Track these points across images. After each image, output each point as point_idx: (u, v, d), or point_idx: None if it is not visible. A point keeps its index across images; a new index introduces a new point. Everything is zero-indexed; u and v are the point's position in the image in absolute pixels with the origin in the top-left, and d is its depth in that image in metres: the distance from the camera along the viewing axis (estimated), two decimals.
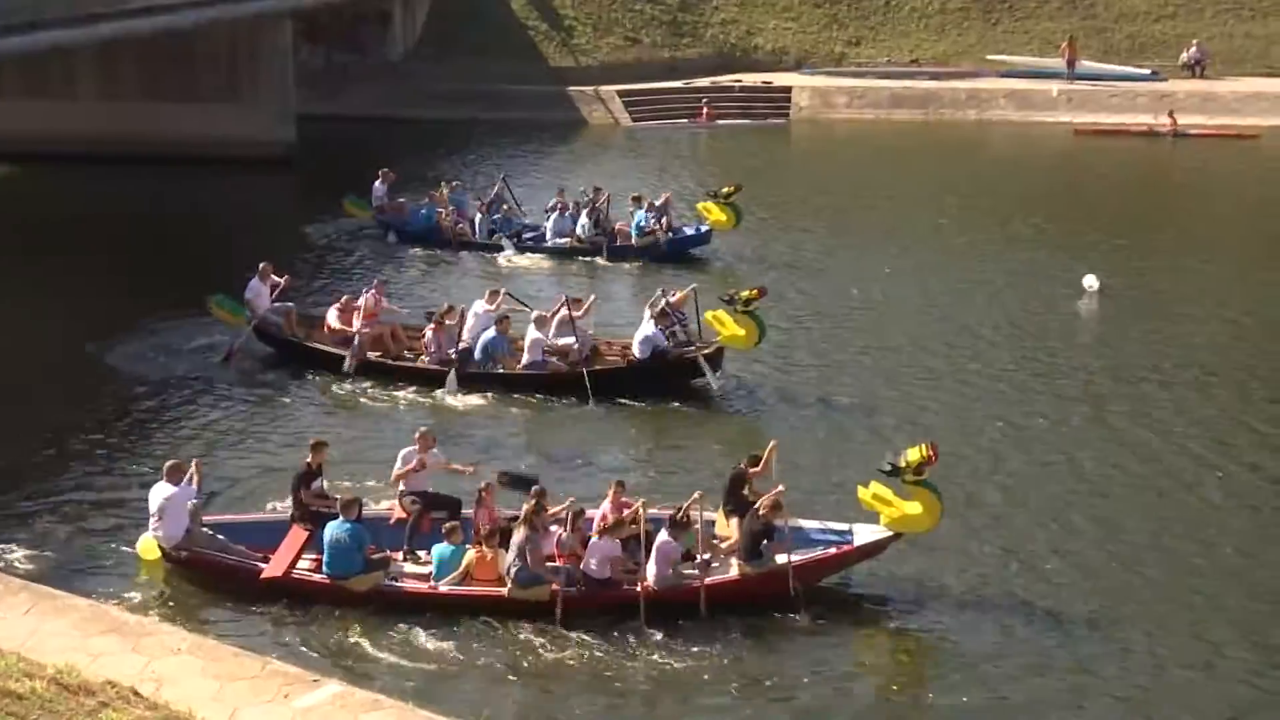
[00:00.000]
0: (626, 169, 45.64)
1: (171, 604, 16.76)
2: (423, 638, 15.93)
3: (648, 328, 23.82)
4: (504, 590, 16.34)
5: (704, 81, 58.59)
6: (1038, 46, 60.07)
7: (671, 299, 24.89)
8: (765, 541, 16.60)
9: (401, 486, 18.18)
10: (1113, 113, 54.57)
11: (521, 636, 16.01)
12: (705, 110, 55.41)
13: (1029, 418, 23.04)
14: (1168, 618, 16.61)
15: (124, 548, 17.92)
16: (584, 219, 33.62)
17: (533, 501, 16.85)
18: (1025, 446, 21.79)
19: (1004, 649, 15.94)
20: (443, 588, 16.59)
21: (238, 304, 25.54)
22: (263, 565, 16.86)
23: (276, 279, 26.15)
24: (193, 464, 17.55)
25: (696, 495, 16.86)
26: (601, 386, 23.37)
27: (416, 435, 18.78)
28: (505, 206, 35.52)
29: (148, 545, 17.42)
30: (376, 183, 36.01)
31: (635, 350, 23.93)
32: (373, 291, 25.75)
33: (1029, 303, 29.84)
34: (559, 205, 34.45)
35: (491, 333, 24.05)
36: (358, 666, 15.38)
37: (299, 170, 45.09)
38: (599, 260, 32.92)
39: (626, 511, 16.87)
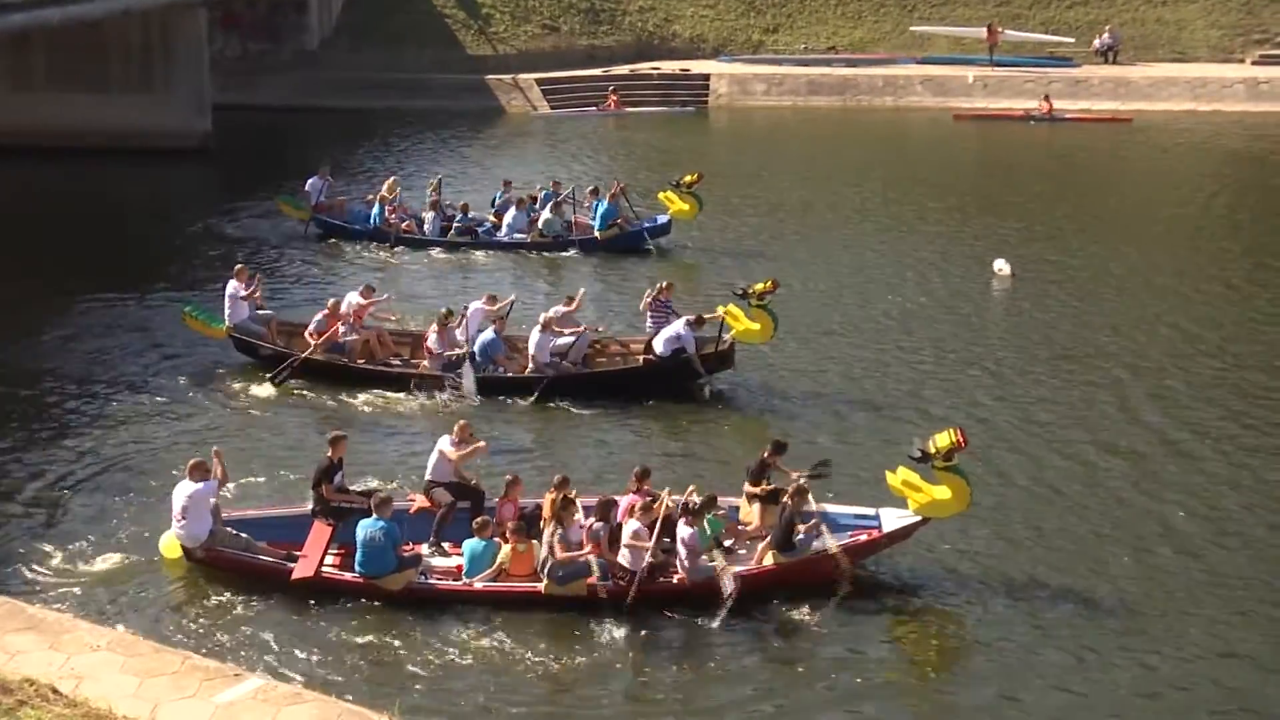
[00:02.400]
0: (546, 157, 45.57)
1: (93, 601, 16.53)
2: (459, 632, 15.90)
3: (679, 327, 23.38)
4: (539, 586, 16.29)
5: (623, 69, 58.63)
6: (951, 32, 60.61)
7: (662, 289, 24.84)
8: (798, 530, 16.66)
9: (430, 477, 18.04)
10: (1028, 99, 55.04)
11: (554, 628, 16.01)
12: (612, 98, 55.40)
13: (973, 400, 23.29)
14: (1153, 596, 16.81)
15: (43, 545, 17.70)
16: (546, 213, 33.00)
17: (561, 497, 16.73)
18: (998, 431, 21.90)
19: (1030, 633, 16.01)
20: (478, 584, 16.49)
21: (212, 313, 24.74)
22: (290, 565, 16.66)
23: (249, 282, 25.07)
24: (214, 454, 17.39)
25: (692, 489, 17.06)
26: (610, 387, 23.17)
27: (457, 426, 18.48)
28: (463, 204, 34.40)
29: (170, 544, 17.23)
30: (314, 178, 34.83)
31: (658, 349, 23.46)
32: (358, 294, 24.97)
33: (941, 288, 30.06)
34: (512, 199, 33.79)
35: (490, 334, 23.63)
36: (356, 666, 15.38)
37: (216, 161, 44.60)
38: (561, 254, 32.37)
39: (656, 505, 16.87)
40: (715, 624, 15.94)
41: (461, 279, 30.66)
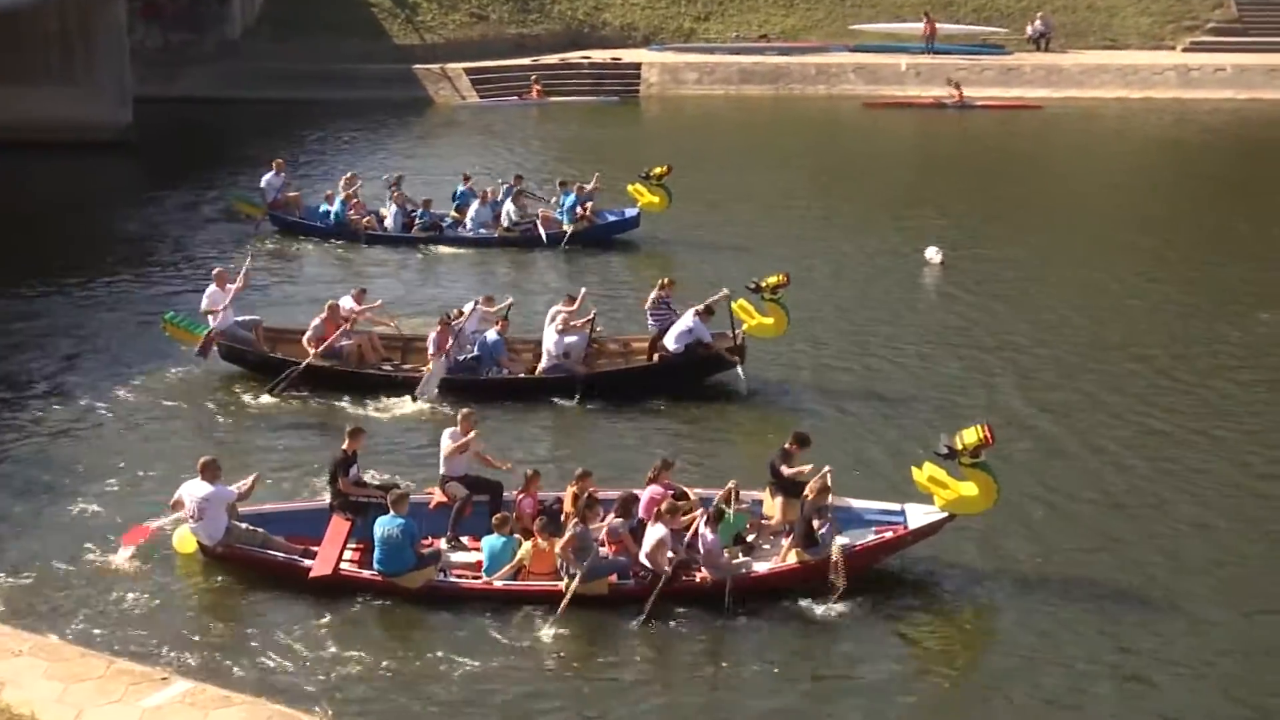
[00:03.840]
0: (477, 149, 45.00)
1: (16, 606, 15.88)
2: (476, 629, 15.64)
3: (689, 320, 22.75)
4: (560, 584, 15.95)
5: (553, 58, 58.17)
6: (887, 22, 60.56)
7: (664, 286, 24.17)
8: (822, 527, 16.35)
9: (443, 471, 17.80)
10: (964, 86, 55.06)
11: (576, 625, 15.68)
12: (536, 87, 54.92)
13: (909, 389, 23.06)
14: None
15: None
16: (509, 207, 32.26)
17: (583, 494, 16.49)
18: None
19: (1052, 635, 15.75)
20: (498, 583, 16.21)
21: (194, 320, 23.67)
22: (308, 562, 16.40)
23: (232, 284, 24.05)
24: (252, 478, 17.33)
25: (732, 484, 16.63)
26: (621, 386, 22.63)
27: (460, 416, 18.24)
28: (424, 200, 33.39)
29: (184, 540, 16.92)
30: (269, 175, 33.60)
31: (670, 344, 22.82)
32: (350, 297, 24.08)
33: (873, 277, 29.89)
34: (474, 194, 33.03)
35: (493, 335, 22.97)
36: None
37: (138, 154, 43.70)
38: (528, 249, 31.66)
39: (682, 501, 16.58)
40: (736, 621, 15.69)
41: (429, 277, 29.93)
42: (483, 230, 32.21)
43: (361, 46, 56.02)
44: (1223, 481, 19.48)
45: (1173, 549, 17.53)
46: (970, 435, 16.18)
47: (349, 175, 34.13)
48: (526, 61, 57.38)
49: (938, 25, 58.64)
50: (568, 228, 31.95)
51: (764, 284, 22.88)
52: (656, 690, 14.68)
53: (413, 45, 57.65)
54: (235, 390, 22.79)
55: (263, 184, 33.50)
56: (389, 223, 32.60)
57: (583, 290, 24.59)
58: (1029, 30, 59.25)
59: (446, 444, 17.89)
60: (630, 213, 32.84)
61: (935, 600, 16.44)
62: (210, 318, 23.39)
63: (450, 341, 22.62)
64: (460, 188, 33.92)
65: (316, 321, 23.19)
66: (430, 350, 22.64)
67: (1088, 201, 38.56)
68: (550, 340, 22.83)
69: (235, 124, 49.13)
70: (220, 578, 16.67)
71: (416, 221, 32.47)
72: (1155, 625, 15.83)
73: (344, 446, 17.64)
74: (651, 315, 24.05)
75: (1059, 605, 16.18)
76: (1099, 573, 16.90)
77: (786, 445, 17.76)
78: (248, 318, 23.94)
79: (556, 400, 22.27)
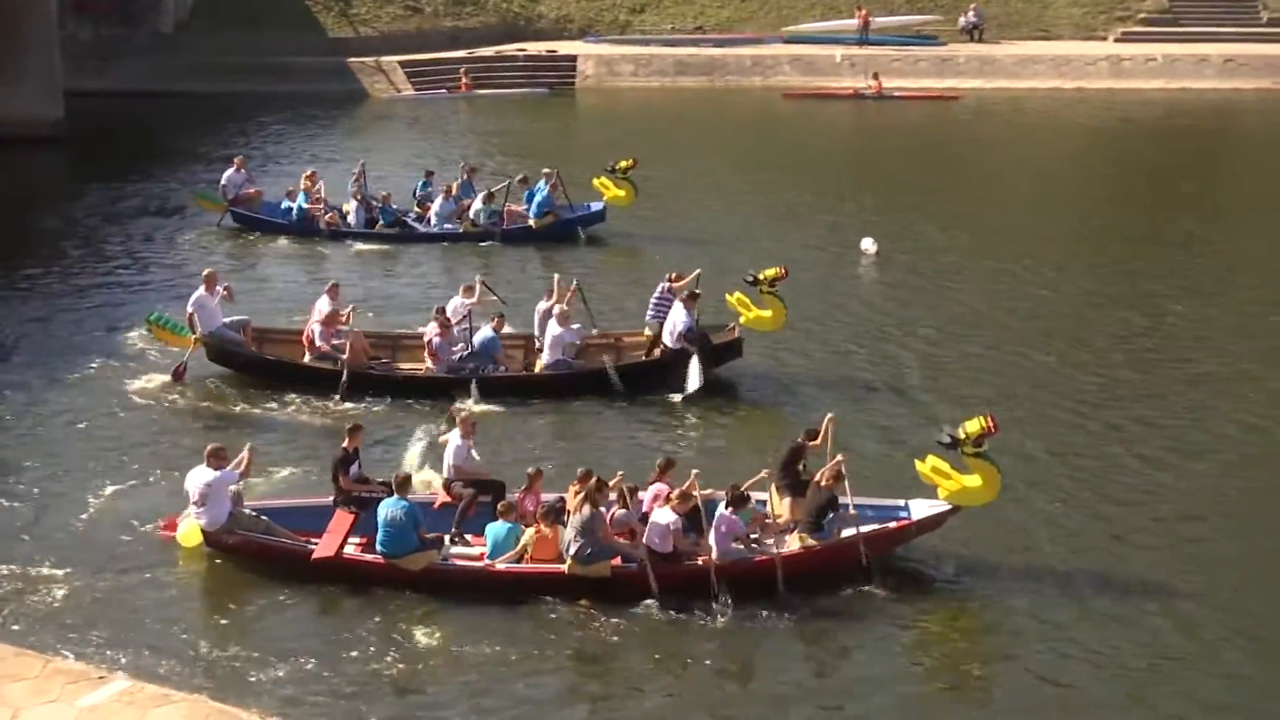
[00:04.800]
0: (414, 143, 44.79)
1: None
2: (483, 618, 15.65)
3: (679, 314, 22.51)
4: (563, 568, 16.00)
5: (489, 51, 58.02)
6: (820, 13, 60.79)
7: (672, 280, 23.69)
8: (830, 514, 16.33)
9: (447, 473, 17.82)
10: (895, 77, 55.37)
11: (580, 614, 15.68)
12: (464, 80, 54.77)
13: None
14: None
15: None
16: (478, 203, 31.91)
17: (593, 480, 16.40)
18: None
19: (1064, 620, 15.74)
20: (500, 565, 16.25)
21: (179, 321, 23.10)
22: (312, 547, 16.49)
23: (221, 289, 23.42)
24: (246, 450, 17.17)
25: (763, 473, 16.69)
26: (638, 380, 22.35)
27: (459, 419, 18.25)
28: (384, 194, 33.06)
29: (189, 531, 16.84)
30: (230, 171, 33.10)
31: (668, 340, 22.44)
32: (326, 296, 23.34)
33: (814, 267, 29.76)
34: (436, 189, 32.63)
35: (488, 332, 22.59)
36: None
37: (69, 149, 43.18)
38: (494, 244, 31.26)
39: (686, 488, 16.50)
40: (741, 609, 15.60)
41: (395, 274, 29.52)
42: (448, 225, 31.93)
43: (295, 39, 55.60)
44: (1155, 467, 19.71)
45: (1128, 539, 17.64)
46: (973, 425, 16.04)
47: (310, 171, 33.63)
48: (462, 54, 57.24)
49: (872, 18, 58.92)
50: (533, 223, 31.79)
51: (761, 276, 22.64)
52: (663, 675, 14.64)
53: (347, 38, 57.39)
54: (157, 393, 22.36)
55: (223, 180, 33.07)
56: (351, 218, 32.28)
57: (574, 283, 23.97)
58: (962, 21, 59.62)
59: (455, 447, 17.85)
60: (596, 206, 32.63)
61: (942, 592, 16.37)
62: (197, 320, 22.75)
63: (450, 340, 22.42)
64: (422, 183, 33.66)
65: (315, 323, 22.83)
66: (437, 352, 22.24)
67: (1013, 191, 39.00)
68: (552, 335, 22.40)
69: (168, 118, 48.63)
70: (165, 573, 16.52)
71: (380, 217, 32.24)
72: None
73: (344, 444, 17.67)
74: (653, 309, 23.60)
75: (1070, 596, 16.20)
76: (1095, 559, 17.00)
77: (799, 440, 17.59)
78: (235, 318, 23.35)
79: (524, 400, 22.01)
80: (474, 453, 17.95)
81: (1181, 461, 19.88)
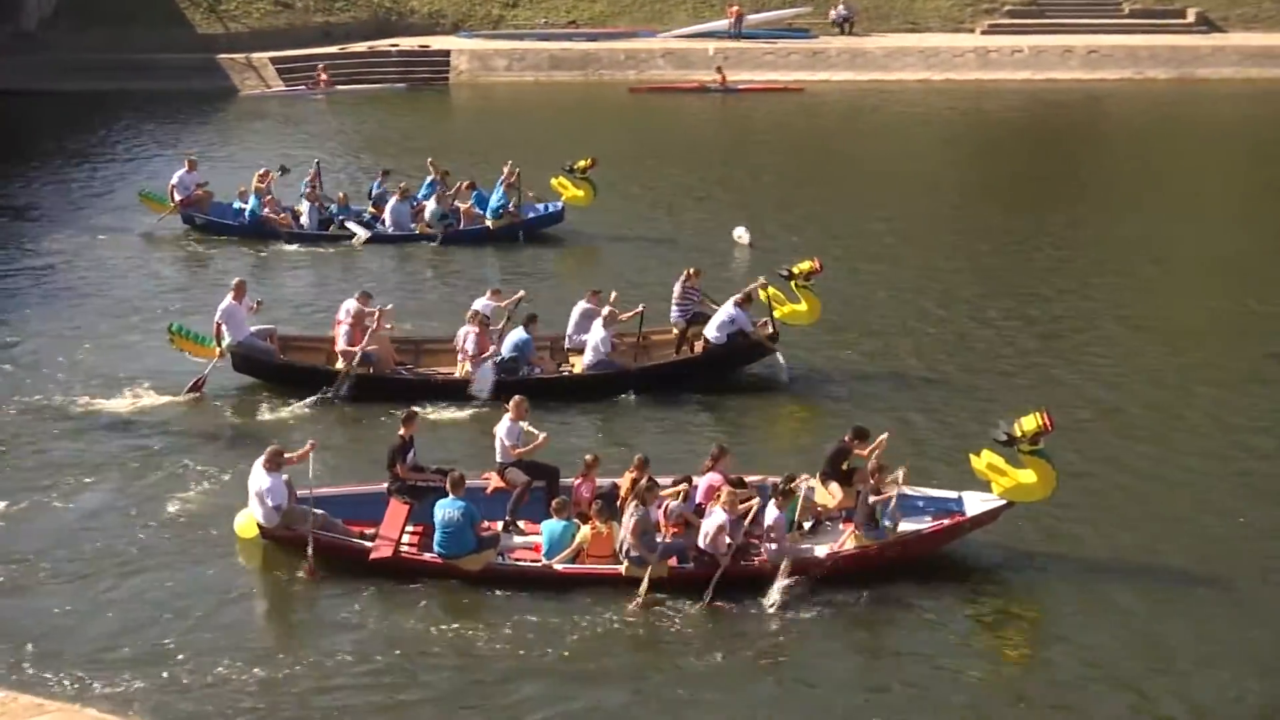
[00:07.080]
0: (287, 140, 44.31)
1: None
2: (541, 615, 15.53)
3: (729, 310, 22.23)
4: (620, 568, 15.98)
5: (361, 46, 57.66)
6: (692, 8, 61.07)
7: (690, 276, 23.59)
8: (883, 510, 16.25)
9: (502, 456, 17.74)
10: (767, 70, 55.86)
11: (635, 612, 15.61)
12: (322, 76, 54.46)
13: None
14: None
15: None
16: (432, 204, 31.34)
17: (644, 478, 16.40)
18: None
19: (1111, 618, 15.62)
20: (557, 566, 16.21)
21: (200, 333, 22.45)
22: (368, 544, 16.43)
23: (253, 301, 22.83)
24: (309, 444, 17.10)
25: (804, 478, 16.69)
26: (664, 379, 22.26)
27: (511, 404, 18.07)
28: (341, 195, 32.67)
29: (246, 524, 16.87)
30: (180, 171, 32.35)
31: (712, 335, 22.29)
32: (355, 300, 22.74)
33: (695, 257, 29.45)
34: (388, 190, 32.14)
35: (521, 333, 22.28)
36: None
37: None
38: (452, 245, 30.76)
39: (740, 489, 16.47)
40: (796, 606, 15.54)
41: (352, 276, 28.64)
42: (408, 227, 31.44)
43: (163, 36, 54.97)
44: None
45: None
46: (1029, 422, 16.00)
47: (261, 171, 32.66)
48: (334, 50, 56.82)
49: (744, 15, 59.40)
50: (490, 223, 31.48)
51: (796, 270, 22.64)
52: (720, 674, 14.52)
53: (216, 35, 56.82)
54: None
55: (174, 181, 32.31)
56: (305, 220, 31.76)
57: (613, 293, 23.35)
58: (832, 14, 60.28)
59: (502, 429, 17.81)
60: (555, 207, 32.28)
61: (995, 588, 16.30)
62: (225, 330, 22.11)
63: (490, 343, 22.10)
64: (376, 183, 33.18)
65: (344, 329, 22.31)
66: (471, 353, 21.89)
67: (882, 177, 39.50)
68: (597, 337, 22.13)
69: (33, 117, 47.87)
70: (68, 578, 16.14)
71: (335, 218, 31.81)
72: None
73: (400, 432, 17.71)
74: (678, 306, 23.49)
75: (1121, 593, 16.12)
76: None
77: (846, 438, 17.62)
78: (262, 327, 22.78)
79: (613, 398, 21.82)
80: (527, 425, 17.74)
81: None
